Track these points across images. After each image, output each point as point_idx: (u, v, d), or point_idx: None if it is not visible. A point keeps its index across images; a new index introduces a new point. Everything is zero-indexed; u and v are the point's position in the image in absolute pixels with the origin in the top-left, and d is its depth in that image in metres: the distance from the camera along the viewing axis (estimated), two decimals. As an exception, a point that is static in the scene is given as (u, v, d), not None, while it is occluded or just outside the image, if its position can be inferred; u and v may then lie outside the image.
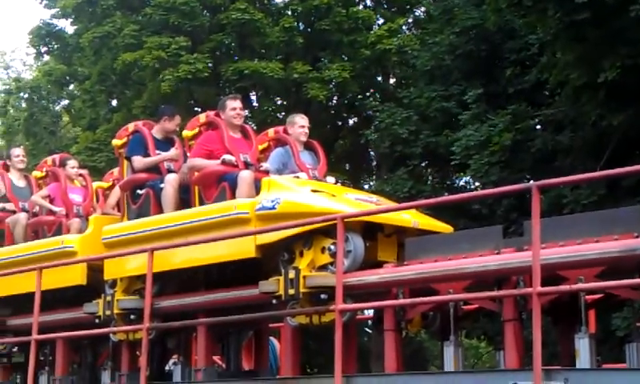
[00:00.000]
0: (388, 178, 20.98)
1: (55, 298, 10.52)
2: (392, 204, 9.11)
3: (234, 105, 9.47)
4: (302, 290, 7.96)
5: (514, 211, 17.13)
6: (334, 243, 7.93)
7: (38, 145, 31.08)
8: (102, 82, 26.34)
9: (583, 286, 6.65)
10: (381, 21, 25.33)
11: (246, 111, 24.89)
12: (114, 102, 28.16)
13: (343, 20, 23.68)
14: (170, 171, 9.71)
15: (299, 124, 9.50)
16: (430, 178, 21.76)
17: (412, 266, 7.63)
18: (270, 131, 9.86)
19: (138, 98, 25.34)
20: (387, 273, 7.76)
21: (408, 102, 20.93)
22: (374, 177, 26.44)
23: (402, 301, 7.62)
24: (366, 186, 25.37)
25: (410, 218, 8.38)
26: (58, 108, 33.22)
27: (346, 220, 7.74)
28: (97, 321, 9.87)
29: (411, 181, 19.98)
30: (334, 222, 7.74)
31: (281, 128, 9.73)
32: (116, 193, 11.13)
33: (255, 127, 22.04)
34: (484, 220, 18.69)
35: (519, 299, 7.05)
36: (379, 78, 25.98)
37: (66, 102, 32.26)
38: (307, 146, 9.59)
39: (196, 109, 23.88)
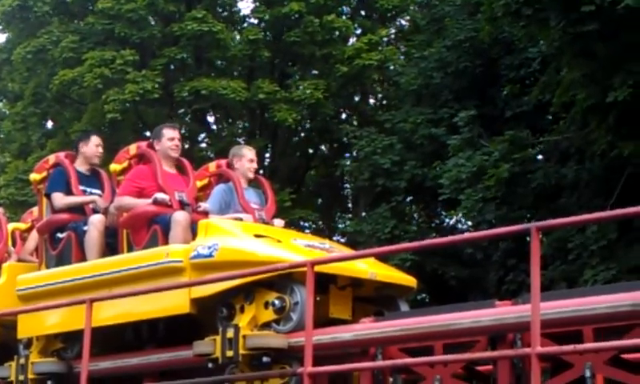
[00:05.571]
0: (367, 216, 21.06)
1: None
2: (374, 250, 9.12)
3: (172, 134, 9.55)
4: (241, 351, 7.99)
5: (513, 256, 17.29)
6: (278, 298, 8.04)
7: (-43, 175, 30.91)
8: (36, 104, 26.31)
9: (590, 346, 6.54)
10: (359, 31, 25.52)
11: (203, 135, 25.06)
12: (49, 124, 28.18)
13: (316, 30, 23.70)
14: (95, 212, 9.76)
15: (248, 157, 9.53)
16: (416, 216, 21.87)
17: (394, 322, 7.65)
18: (212, 165, 9.94)
19: (77, 120, 25.33)
20: (365, 329, 7.77)
21: (391, 127, 21.10)
22: (351, 214, 26.39)
23: (380, 363, 7.58)
24: (341, 226, 25.40)
25: (367, 268, 8.44)
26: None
27: (292, 270, 7.84)
28: (8, 387, 9.88)
29: (394, 219, 20.09)
30: (283, 271, 7.84)
31: (224, 161, 9.77)
32: (34, 236, 11.13)
33: (213, 155, 22.17)
34: (478, 266, 18.85)
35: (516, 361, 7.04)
36: (357, 99, 26.14)
37: (-7, 122, 32.18)
38: (252, 183, 9.66)
39: (146, 133, 23.90)
